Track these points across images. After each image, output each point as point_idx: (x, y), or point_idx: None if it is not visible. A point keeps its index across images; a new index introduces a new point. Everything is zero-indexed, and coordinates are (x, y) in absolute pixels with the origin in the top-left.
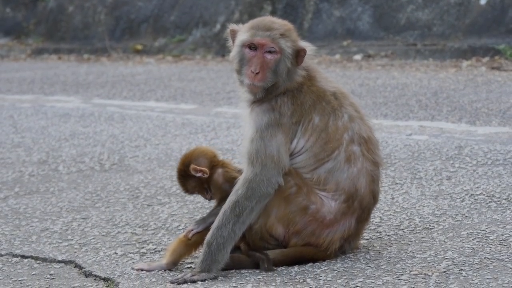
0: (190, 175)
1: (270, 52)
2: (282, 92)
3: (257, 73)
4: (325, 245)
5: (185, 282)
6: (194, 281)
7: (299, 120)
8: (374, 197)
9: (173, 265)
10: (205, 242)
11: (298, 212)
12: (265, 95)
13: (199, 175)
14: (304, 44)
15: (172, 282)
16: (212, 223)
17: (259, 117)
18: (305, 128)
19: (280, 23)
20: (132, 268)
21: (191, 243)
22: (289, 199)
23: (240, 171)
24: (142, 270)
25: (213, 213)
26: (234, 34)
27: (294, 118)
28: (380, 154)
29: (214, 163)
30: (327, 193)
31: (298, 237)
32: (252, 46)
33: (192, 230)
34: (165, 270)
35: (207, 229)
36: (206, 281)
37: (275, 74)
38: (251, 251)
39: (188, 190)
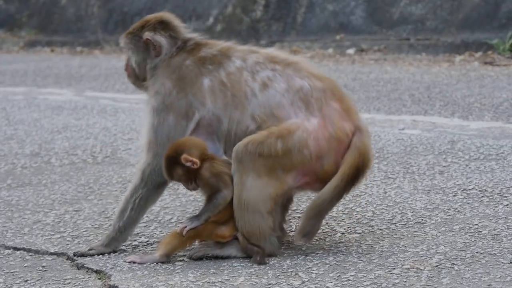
0: (179, 163)
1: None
2: (153, 77)
3: (125, 70)
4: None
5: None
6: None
7: (189, 92)
8: None
9: (166, 258)
10: (113, 222)
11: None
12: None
13: (188, 165)
14: (147, 34)
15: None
16: (206, 219)
17: (148, 106)
18: (202, 95)
19: (141, 20)
20: (124, 261)
21: (186, 238)
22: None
23: (229, 165)
24: (134, 262)
25: (206, 209)
26: None
27: (181, 93)
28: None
29: (204, 156)
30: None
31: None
32: None
33: (186, 227)
34: (157, 263)
35: (201, 225)
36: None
37: (133, 69)
38: (250, 245)
39: (173, 177)
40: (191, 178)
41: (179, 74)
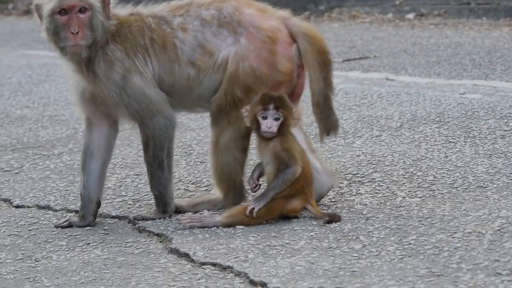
0: (282, 108)
1: (81, 11)
2: (103, 45)
3: (77, 33)
4: None
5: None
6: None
7: (137, 51)
8: None
9: (226, 226)
10: (153, 193)
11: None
12: (89, 54)
13: (292, 120)
14: None
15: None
16: (272, 196)
17: (111, 79)
18: (142, 51)
19: None
20: (183, 226)
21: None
22: None
23: (295, 140)
24: (194, 226)
25: (274, 186)
26: (39, 8)
27: (130, 53)
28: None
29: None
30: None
31: None
32: (62, 12)
33: (254, 208)
34: (218, 227)
35: (271, 203)
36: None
37: (92, 30)
38: (325, 212)
39: (265, 108)
40: (280, 124)
41: (123, 37)
